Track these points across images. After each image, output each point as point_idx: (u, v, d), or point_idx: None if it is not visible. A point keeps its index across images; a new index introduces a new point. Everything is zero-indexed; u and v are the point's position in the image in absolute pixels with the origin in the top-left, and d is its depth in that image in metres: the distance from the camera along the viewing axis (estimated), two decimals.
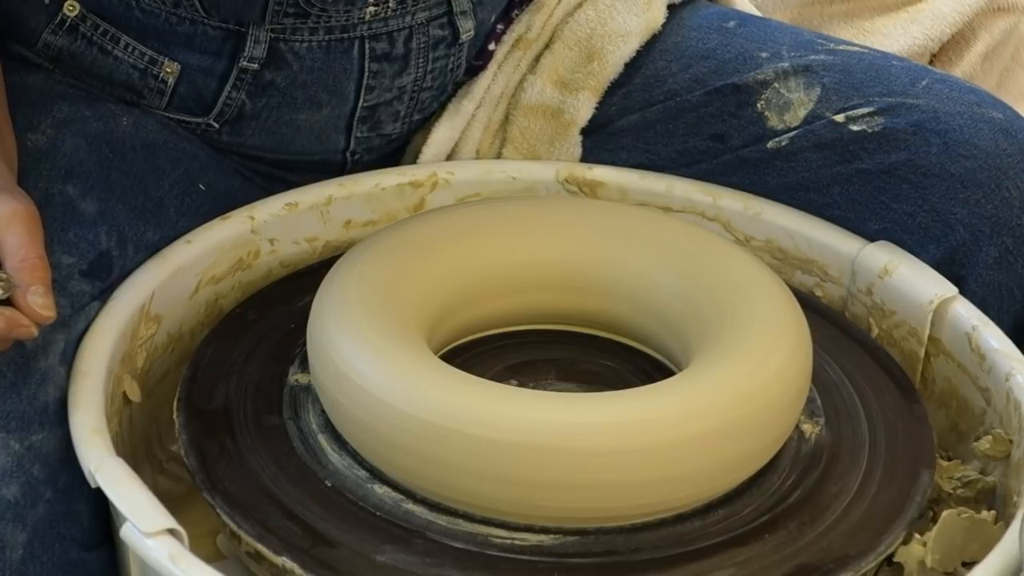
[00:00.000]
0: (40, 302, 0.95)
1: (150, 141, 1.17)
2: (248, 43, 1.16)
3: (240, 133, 1.21)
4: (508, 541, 0.94)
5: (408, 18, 1.19)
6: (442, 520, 0.96)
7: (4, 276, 0.95)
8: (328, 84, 1.19)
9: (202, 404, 1.04)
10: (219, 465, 0.99)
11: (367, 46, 1.18)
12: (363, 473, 0.99)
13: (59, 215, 1.07)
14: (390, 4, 1.17)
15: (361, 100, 1.21)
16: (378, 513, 0.96)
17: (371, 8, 1.16)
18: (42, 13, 1.16)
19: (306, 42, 1.17)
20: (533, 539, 0.95)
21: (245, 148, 1.23)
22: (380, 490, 0.98)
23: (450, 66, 1.24)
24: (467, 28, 1.23)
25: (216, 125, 1.20)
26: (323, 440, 1.02)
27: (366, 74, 1.20)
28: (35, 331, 0.96)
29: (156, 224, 1.13)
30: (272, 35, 1.16)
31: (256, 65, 1.17)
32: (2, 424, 0.98)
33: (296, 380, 1.06)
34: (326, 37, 1.17)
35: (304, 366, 1.06)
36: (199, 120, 1.20)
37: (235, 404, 1.04)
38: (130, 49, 1.17)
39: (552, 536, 0.95)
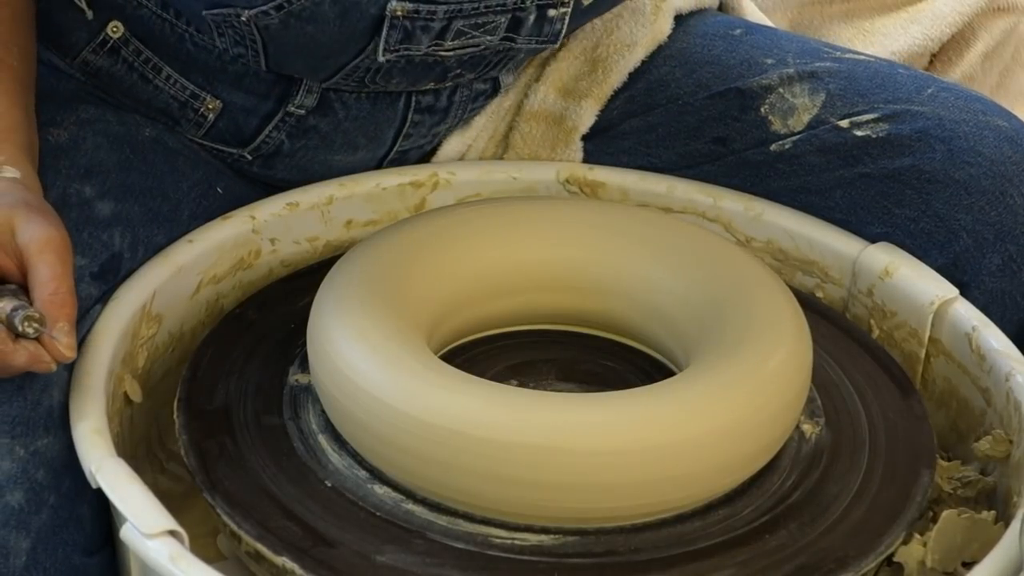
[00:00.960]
0: (65, 341, 0.94)
1: (172, 147, 1.17)
2: (300, 91, 1.16)
3: (272, 167, 1.22)
4: (508, 541, 0.94)
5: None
6: (442, 520, 0.96)
7: (38, 315, 0.93)
8: (369, 131, 1.20)
9: (202, 404, 1.04)
10: (219, 465, 0.99)
11: (413, 99, 1.19)
12: (363, 473, 0.99)
13: (75, 215, 1.07)
14: (448, 84, 1.17)
15: (397, 146, 1.23)
16: (378, 513, 0.96)
17: (431, 85, 1.17)
18: (83, 28, 1.15)
19: (355, 93, 1.17)
20: (533, 539, 0.95)
21: (273, 180, 1.23)
22: (380, 490, 0.98)
23: (480, 111, 1.25)
24: (508, 81, 1.24)
25: (249, 158, 1.21)
26: (323, 440, 1.02)
27: (407, 124, 1.21)
28: (54, 367, 0.95)
29: (169, 228, 1.14)
30: (325, 86, 1.16)
31: (304, 111, 1.17)
32: (7, 429, 0.98)
33: (296, 380, 1.06)
34: (375, 91, 1.17)
35: (304, 366, 1.06)
36: (233, 151, 1.20)
37: (235, 404, 1.04)
38: (172, 81, 1.16)
39: (552, 536, 0.95)
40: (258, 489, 0.98)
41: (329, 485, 0.98)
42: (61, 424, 0.99)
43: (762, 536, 0.96)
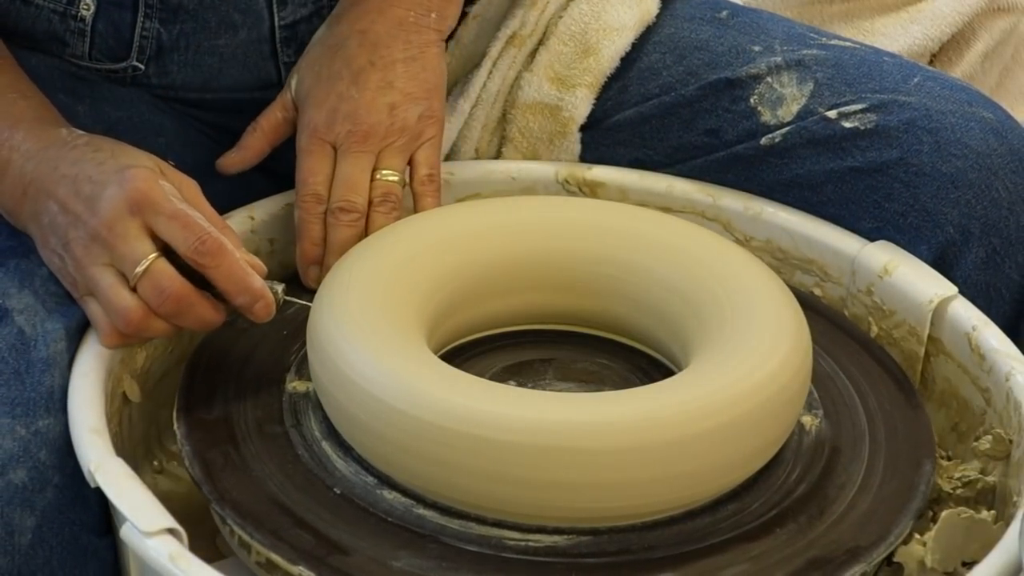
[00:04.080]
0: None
1: (111, 123, 1.17)
2: None
3: (167, 71, 1.22)
4: (522, 543, 0.94)
5: None
6: (454, 524, 0.95)
7: (277, 289, 1.03)
8: (238, 3, 1.20)
9: (201, 414, 1.04)
10: (225, 475, 0.99)
11: None
12: (371, 479, 0.98)
13: None
14: None
15: (276, 18, 1.21)
16: (389, 519, 0.96)
17: None
18: None
19: None
20: (547, 540, 0.94)
21: (178, 90, 1.22)
22: (390, 495, 0.97)
23: None
24: None
25: (141, 67, 1.21)
26: (327, 447, 1.01)
27: None
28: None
29: None
30: None
31: None
32: (7, 410, 0.98)
33: (294, 388, 1.06)
34: None
35: (300, 373, 1.06)
36: (124, 65, 1.20)
37: (235, 413, 1.04)
38: None
39: (566, 536, 0.95)
40: (267, 499, 0.97)
41: (338, 492, 0.98)
42: (61, 407, 1.00)
43: (772, 530, 0.96)
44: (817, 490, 1.00)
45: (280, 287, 1.04)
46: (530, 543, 0.94)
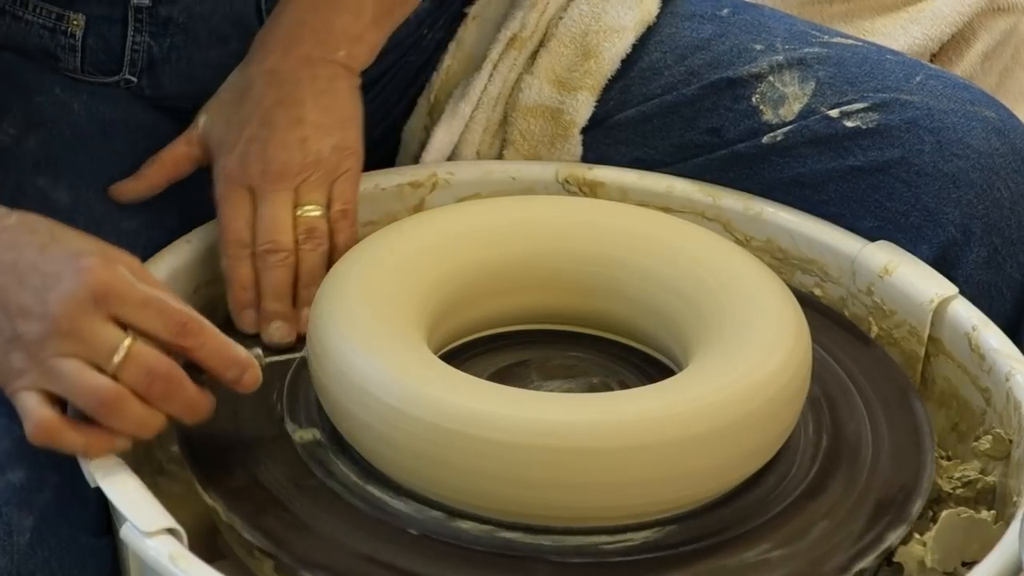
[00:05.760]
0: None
1: (106, 123, 1.18)
2: None
3: (160, 84, 1.22)
4: (522, 543, 0.94)
5: None
6: (454, 523, 0.95)
7: (260, 353, 0.99)
8: (228, 15, 1.20)
9: (222, 480, 1.00)
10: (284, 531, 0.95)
11: None
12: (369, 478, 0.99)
13: (36, 208, 1.02)
14: None
15: None
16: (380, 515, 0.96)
17: None
18: None
19: None
20: (548, 540, 0.94)
21: (171, 100, 1.22)
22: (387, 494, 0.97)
23: None
24: None
25: (134, 79, 1.21)
26: (330, 453, 1.00)
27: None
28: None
29: (130, 211, 1.15)
30: None
31: (148, 1, 1.18)
32: (5, 410, 0.98)
33: (300, 437, 1.03)
34: None
35: (297, 420, 1.04)
36: (116, 78, 1.20)
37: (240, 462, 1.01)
38: (39, 11, 1.18)
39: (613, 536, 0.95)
40: (265, 496, 0.97)
41: (415, 534, 0.95)
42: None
43: (820, 494, 0.99)
44: (816, 490, 0.99)
45: (260, 351, 1.00)
46: (531, 543, 0.94)
